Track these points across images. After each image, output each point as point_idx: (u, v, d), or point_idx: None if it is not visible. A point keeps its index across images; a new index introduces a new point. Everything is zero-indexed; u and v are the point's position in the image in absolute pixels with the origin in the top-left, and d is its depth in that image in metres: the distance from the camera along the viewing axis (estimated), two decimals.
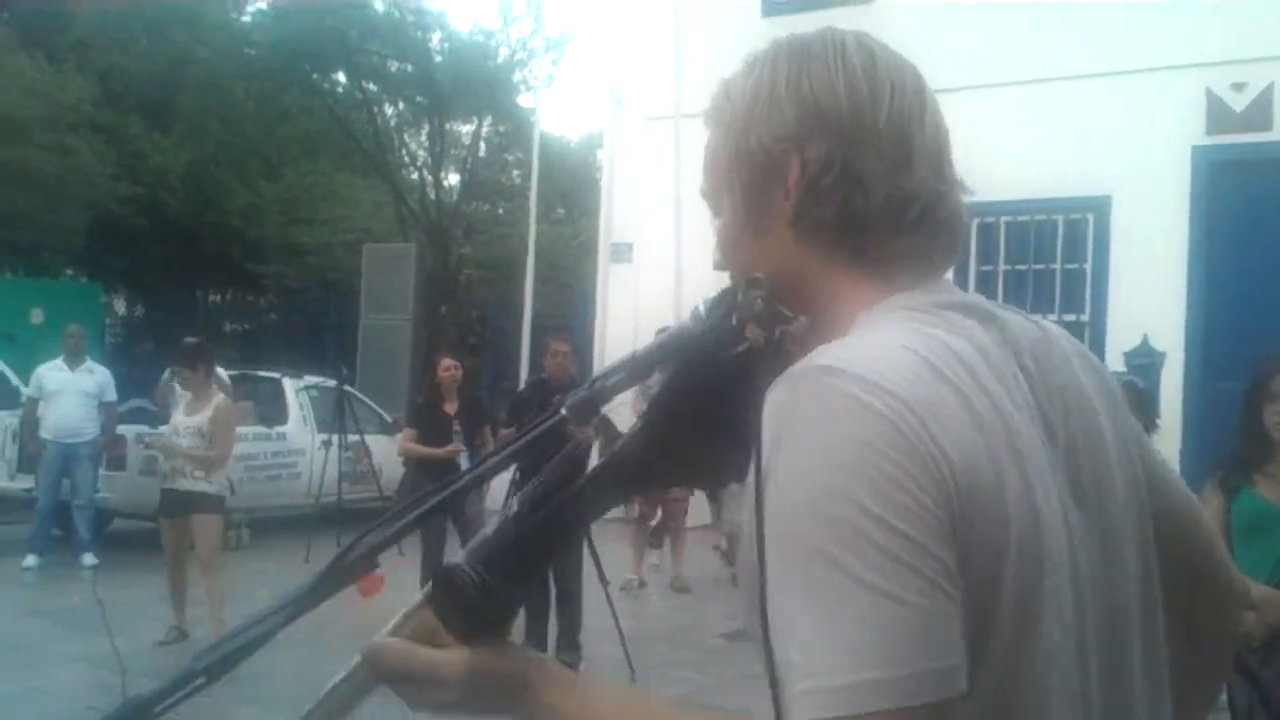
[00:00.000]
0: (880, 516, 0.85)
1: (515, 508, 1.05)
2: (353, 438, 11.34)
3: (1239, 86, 10.10)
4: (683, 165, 11.44)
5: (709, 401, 1.06)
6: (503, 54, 23.48)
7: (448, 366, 8.15)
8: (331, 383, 12.05)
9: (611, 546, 8.10)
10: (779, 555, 0.87)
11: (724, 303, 1.09)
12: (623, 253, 13.37)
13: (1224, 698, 3.68)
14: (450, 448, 7.82)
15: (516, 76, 23.95)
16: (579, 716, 1.01)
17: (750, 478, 0.92)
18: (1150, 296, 10.24)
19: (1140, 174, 10.28)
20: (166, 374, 9.45)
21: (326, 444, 11.31)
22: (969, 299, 1.06)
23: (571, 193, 24.82)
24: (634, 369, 1.15)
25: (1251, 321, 9.33)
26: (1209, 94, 10.22)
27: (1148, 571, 1.07)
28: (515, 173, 25.86)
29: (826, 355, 0.94)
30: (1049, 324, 1.12)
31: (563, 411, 1.13)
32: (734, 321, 1.07)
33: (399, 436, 8.73)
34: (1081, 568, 0.98)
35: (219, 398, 7.65)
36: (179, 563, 7.45)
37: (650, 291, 11.82)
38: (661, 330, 1.95)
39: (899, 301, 1.02)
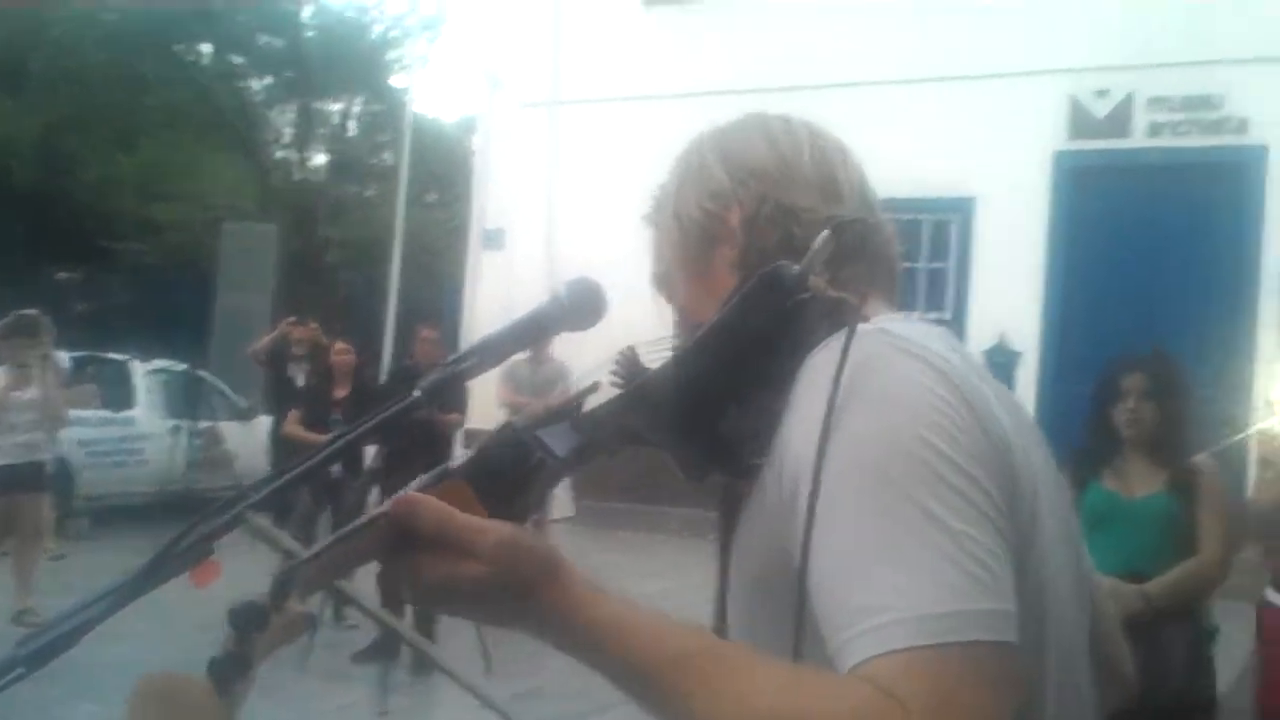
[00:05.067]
0: (954, 460, 0.88)
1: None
2: (204, 423, 10.94)
3: (1101, 93, 10.42)
4: (559, 152, 11.31)
5: (754, 348, 1.03)
6: (376, 30, 22.98)
7: (340, 350, 7.93)
8: (182, 366, 11.60)
9: None
10: (859, 500, 0.89)
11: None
12: (495, 239, 13.15)
13: None
14: (331, 435, 7.55)
15: (390, 55, 23.48)
16: (616, 627, 0.89)
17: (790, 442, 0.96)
18: (1009, 297, 10.51)
19: (1004, 177, 10.53)
20: None
21: (175, 430, 10.88)
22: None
23: (445, 177, 24.43)
24: (489, 352, 1.14)
25: (1105, 325, 9.63)
26: (1072, 100, 10.53)
27: (1084, 583, 1.13)
28: (386, 154, 25.32)
29: (879, 324, 1.00)
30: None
31: (416, 393, 1.10)
32: (795, 270, 1.04)
33: (254, 422, 8.43)
34: (1067, 561, 1.06)
35: (48, 373, 7.68)
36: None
37: (523, 279, 11.60)
38: None
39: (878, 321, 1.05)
